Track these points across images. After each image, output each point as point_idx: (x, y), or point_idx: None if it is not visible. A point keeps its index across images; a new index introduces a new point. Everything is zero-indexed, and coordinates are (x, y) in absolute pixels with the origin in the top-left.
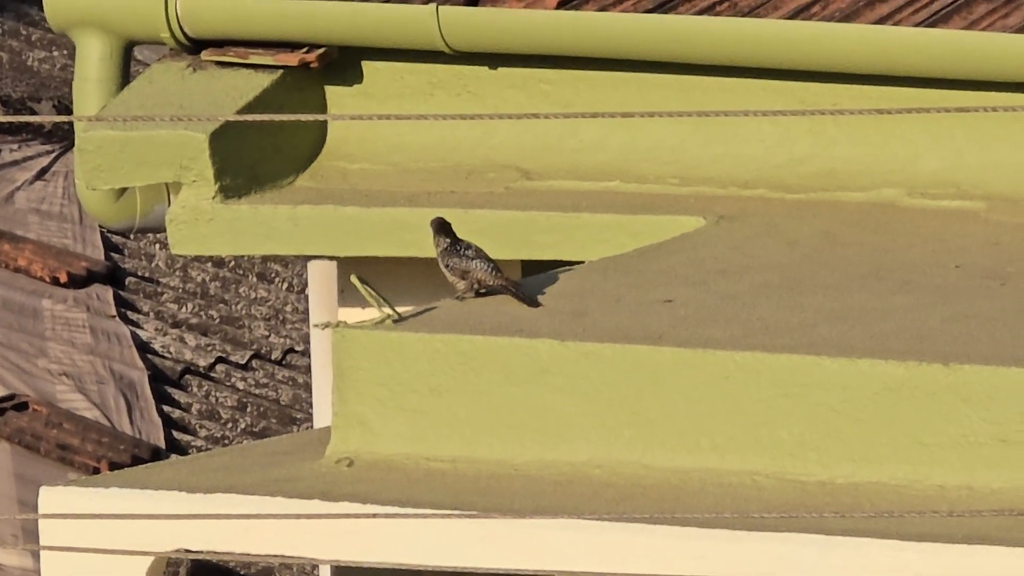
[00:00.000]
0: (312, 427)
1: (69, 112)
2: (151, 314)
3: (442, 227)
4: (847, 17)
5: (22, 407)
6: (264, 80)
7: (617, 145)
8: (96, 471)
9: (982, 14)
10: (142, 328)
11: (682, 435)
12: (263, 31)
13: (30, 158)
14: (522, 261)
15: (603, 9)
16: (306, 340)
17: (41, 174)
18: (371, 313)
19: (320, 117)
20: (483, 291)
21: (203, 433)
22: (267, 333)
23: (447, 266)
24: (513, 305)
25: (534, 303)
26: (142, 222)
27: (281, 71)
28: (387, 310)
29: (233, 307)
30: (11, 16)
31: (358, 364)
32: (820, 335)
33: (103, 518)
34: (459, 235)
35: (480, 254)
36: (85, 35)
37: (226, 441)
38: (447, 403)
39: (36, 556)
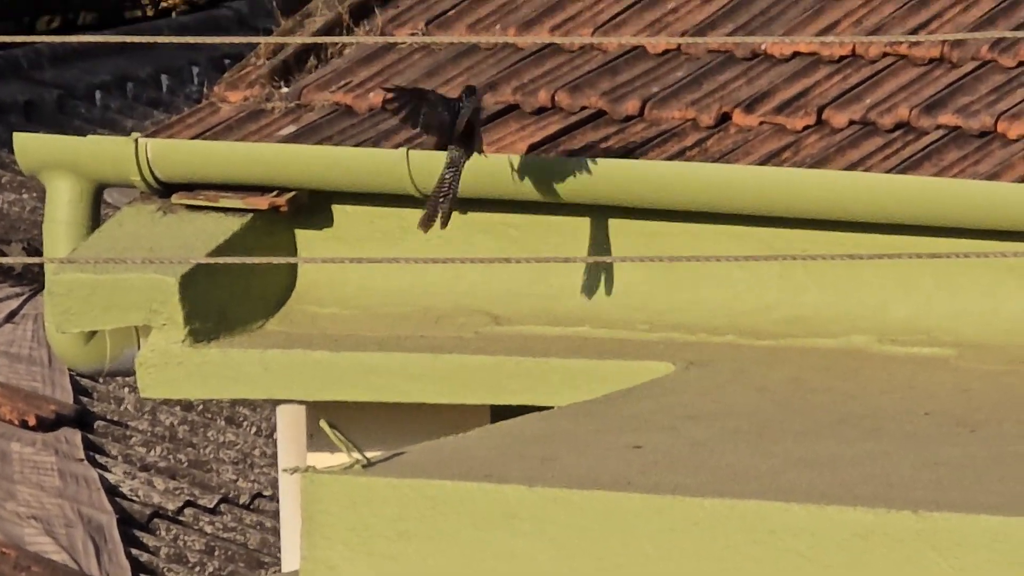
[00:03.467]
0: (280, 572)
1: (39, 254)
2: (120, 457)
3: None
4: (818, 163)
5: None
6: (234, 223)
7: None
8: None
9: (953, 160)
10: (111, 471)
11: None
12: (233, 175)
13: None
14: (491, 406)
15: (573, 154)
16: (274, 484)
17: (10, 317)
18: (340, 458)
19: (290, 260)
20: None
21: None
22: (235, 477)
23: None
24: (482, 449)
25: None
26: (111, 365)
27: (251, 214)
28: (356, 455)
29: (201, 451)
30: None
31: (327, 509)
32: (789, 481)
33: None
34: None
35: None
36: (55, 177)
37: None
38: (416, 548)
39: None
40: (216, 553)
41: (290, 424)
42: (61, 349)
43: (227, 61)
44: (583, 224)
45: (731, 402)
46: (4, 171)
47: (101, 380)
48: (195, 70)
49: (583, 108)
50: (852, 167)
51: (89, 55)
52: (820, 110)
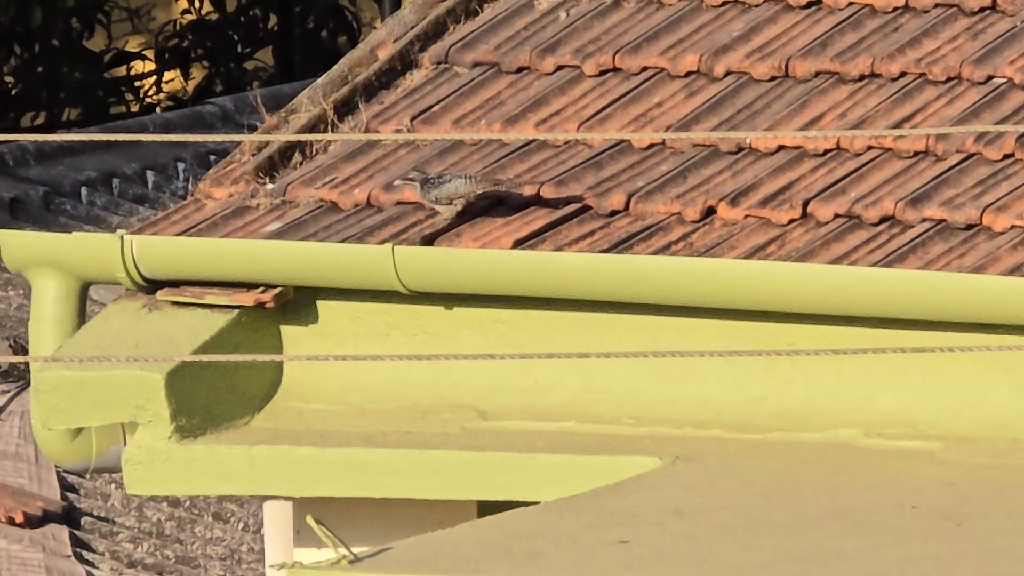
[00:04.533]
0: None
1: (25, 351)
2: (107, 554)
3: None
4: (803, 257)
5: None
6: (220, 320)
7: (573, 385)
8: None
9: (938, 254)
10: (98, 568)
11: None
12: (218, 271)
13: None
14: (478, 501)
15: (559, 249)
16: None
17: None
18: (327, 553)
19: (276, 358)
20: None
21: None
22: (223, 573)
23: (434, 200)
24: (469, 544)
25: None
26: (98, 462)
27: (237, 311)
28: (342, 550)
29: (189, 547)
30: None
31: None
32: None
33: None
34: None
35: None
36: (41, 275)
37: None
38: None
39: None
40: None
41: (277, 520)
42: (47, 446)
43: (212, 157)
44: (570, 319)
45: (718, 496)
46: None
47: (88, 477)
48: (180, 166)
49: (568, 203)
50: (837, 261)
51: (75, 151)
52: (805, 204)
